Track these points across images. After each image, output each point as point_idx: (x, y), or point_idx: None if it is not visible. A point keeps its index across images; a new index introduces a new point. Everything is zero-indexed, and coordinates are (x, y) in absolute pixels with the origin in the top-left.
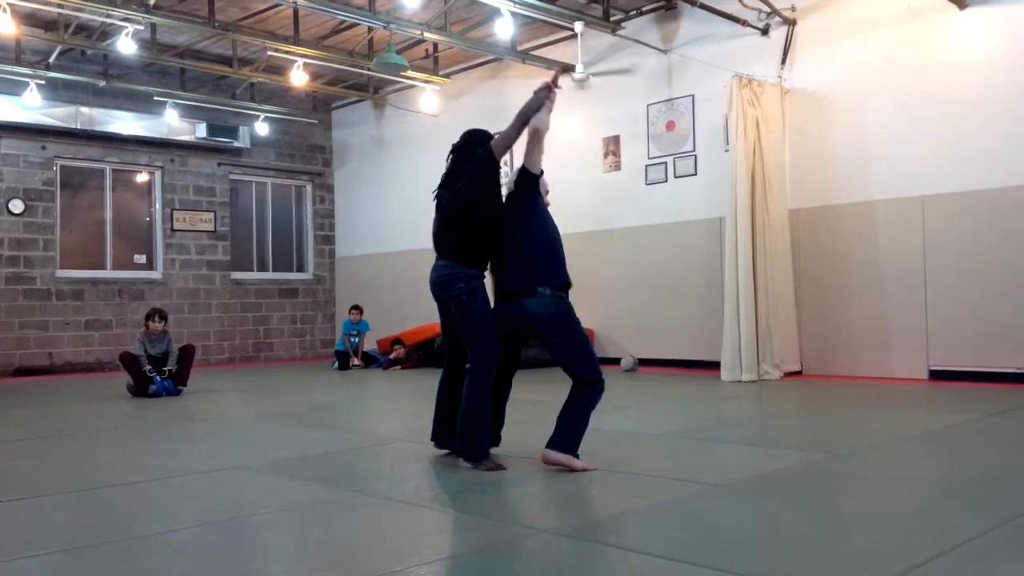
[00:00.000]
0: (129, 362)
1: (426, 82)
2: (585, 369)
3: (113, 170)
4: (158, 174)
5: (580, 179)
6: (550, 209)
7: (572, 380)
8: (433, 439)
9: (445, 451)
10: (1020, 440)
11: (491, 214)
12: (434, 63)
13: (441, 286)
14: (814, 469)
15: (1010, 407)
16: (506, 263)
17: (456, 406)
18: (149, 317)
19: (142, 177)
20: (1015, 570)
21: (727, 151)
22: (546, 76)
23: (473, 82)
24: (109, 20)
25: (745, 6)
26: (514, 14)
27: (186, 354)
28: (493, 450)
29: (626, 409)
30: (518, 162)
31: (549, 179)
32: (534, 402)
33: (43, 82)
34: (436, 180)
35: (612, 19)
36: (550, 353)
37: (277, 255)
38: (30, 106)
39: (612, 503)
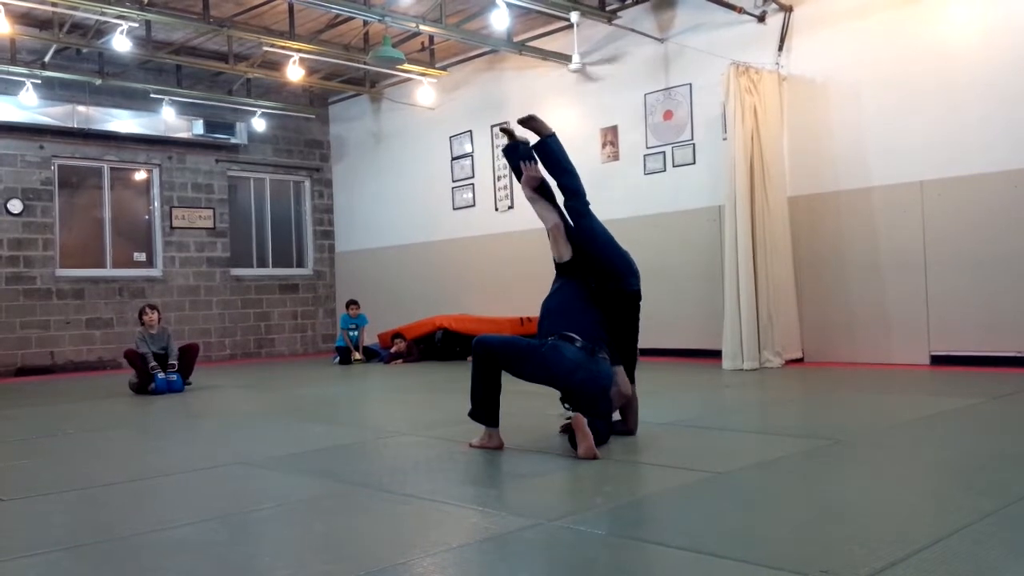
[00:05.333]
0: (135, 359)
1: (422, 75)
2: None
3: (111, 168)
4: (156, 172)
5: (578, 169)
6: None
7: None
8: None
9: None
10: (1022, 424)
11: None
12: (430, 56)
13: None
14: (816, 456)
15: (1012, 391)
16: (583, 320)
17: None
18: (142, 312)
19: (140, 175)
20: (1015, 554)
21: (725, 139)
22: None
23: (470, 74)
24: (103, 18)
25: None
26: (510, 5)
27: (189, 353)
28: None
29: None
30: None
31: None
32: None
33: (39, 81)
34: (434, 173)
35: (608, 8)
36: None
37: (277, 251)
38: (26, 105)
39: (614, 493)
